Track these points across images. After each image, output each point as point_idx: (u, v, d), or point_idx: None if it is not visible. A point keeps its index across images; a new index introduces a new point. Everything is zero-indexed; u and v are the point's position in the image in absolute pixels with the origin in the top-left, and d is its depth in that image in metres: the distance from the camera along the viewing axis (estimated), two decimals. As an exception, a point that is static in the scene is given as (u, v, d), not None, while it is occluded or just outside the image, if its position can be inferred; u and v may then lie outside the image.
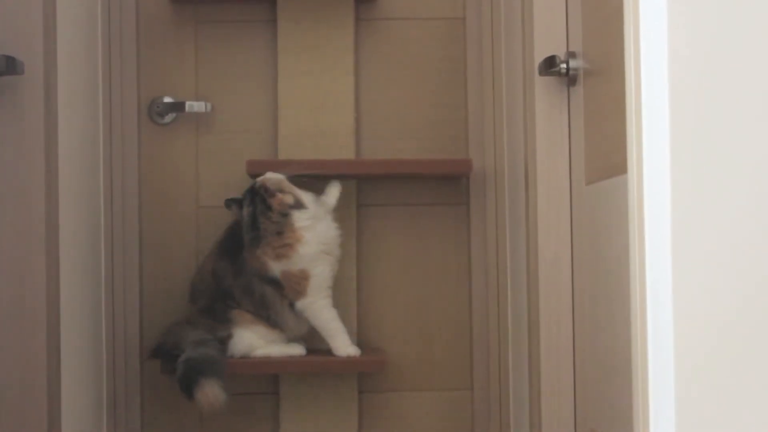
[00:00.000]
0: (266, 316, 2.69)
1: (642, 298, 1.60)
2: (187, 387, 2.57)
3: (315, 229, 2.67)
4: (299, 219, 2.65)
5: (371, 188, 2.92)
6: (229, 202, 2.69)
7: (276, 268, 2.66)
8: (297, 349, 2.71)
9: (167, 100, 2.89)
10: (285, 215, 2.63)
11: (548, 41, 2.36)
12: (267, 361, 2.69)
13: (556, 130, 2.37)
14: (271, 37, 2.90)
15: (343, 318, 2.85)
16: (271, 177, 2.66)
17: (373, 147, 2.91)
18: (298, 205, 2.65)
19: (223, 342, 2.67)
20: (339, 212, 2.86)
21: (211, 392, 2.55)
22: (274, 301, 2.68)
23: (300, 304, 2.68)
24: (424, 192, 2.92)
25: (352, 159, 2.84)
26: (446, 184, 2.92)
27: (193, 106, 2.86)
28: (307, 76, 2.86)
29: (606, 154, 2.04)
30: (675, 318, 1.57)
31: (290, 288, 2.67)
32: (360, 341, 2.89)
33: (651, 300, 1.58)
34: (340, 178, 2.83)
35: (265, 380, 2.88)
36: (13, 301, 2.17)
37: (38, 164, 2.18)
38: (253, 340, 2.68)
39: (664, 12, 1.59)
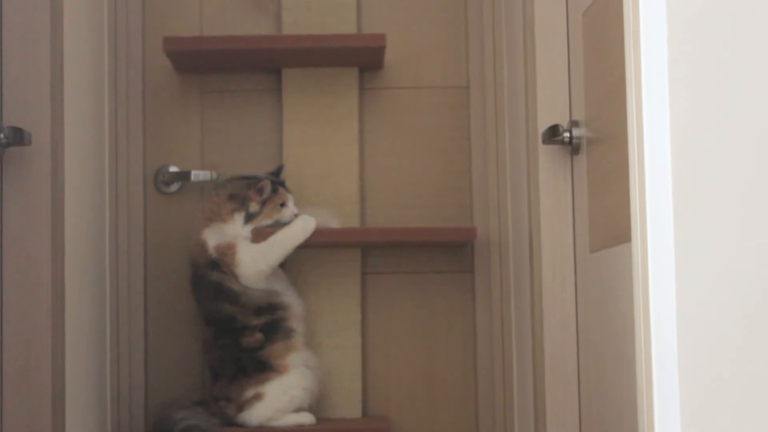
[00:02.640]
0: (269, 308, 2.68)
1: (648, 365, 1.59)
2: None
3: (241, 233, 2.70)
4: (238, 219, 2.69)
5: (376, 256, 2.92)
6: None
7: (210, 242, 2.69)
8: (306, 418, 2.70)
9: (173, 169, 2.90)
10: (243, 201, 2.68)
11: (551, 110, 2.38)
12: (272, 429, 2.68)
13: (560, 198, 2.38)
14: (276, 106, 2.92)
15: (349, 385, 2.85)
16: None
17: (377, 215, 2.92)
18: (249, 216, 2.69)
19: (242, 408, 2.67)
20: (344, 280, 2.87)
21: None
22: (224, 283, 2.67)
23: (242, 277, 2.67)
24: (428, 260, 2.93)
25: (357, 227, 2.85)
26: (451, 252, 2.93)
27: (199, 175, 2.87)
28: (311, 145, 2.88)
29: (610, 223, 2.05)
30: (681, 387, 1.57)
31: (224, 264, 2.67)
32: (365, 408, 2.88)
33: (657, 368, 1.58)
34: (345, 246, 2.84)
35: (270, 449, 2.87)
36: (19, 371, 2.17)
37: (44, 233, 2.20)
38: (283, 402, 2.67)
39: (666, 81, 1.60)
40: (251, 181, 2.71)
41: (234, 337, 2.68)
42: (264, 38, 2.76)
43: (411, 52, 2.96)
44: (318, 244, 2.77)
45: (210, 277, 2.69)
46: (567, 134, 2.32)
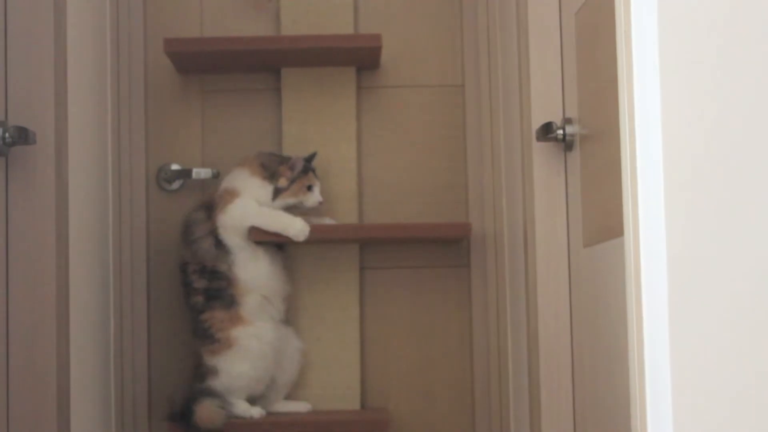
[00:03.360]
0: (209, 276, 2.71)
1: (640, 358, 1.59)
2: (188, 417, 2.63)
3: (266, 202, 2.74)
4: (267, 189, 2.73)
5: (374, 252, 2.94)
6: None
7: (223, 184, 2.75)
8: (301, 406, 2.74)
9: (174, 167, 2.92)
10: (273, 175, 2.73)
11: (545, 108, 2.39)
12: (273, 421, 2.70)
13: (553, 194, 2.39)
14: (275, 105, 2.94)
15: (347, 378, 2.87)
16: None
17: (375, 211, 2.94)
18: (277, 191, 2.73)
19: (209, 373, 2.70)
20: (342, 275, 2.89)
21: (207, 410, 2.61)
22: (197, 227, 2.72)
23: (221, 216, 2.71)
24: (425, 255, 2.95)
25: (355, 224, 2.87)
26: (447, 247, 2.95)
27: (200, 172, 2.89)
28: (310, 143, 2.89)
29: (603, 218, 2.06)
30: (673, 378, 1.57)
31: (219, 202, 2.72)
32: (363, 401, 2.90)
33: (649, 360, 1.58)
34: (343, 242, 2.86)
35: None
36: (24, 365, 2.19)
37: (49, 231, 2.21)
38: (240, 376, 2.70)
39: (657, 79, 1.61)
40: (284, 159, 2.76)
41: (186, 290, 2.73)
42: (263, 39, 2.76)
43: (407, 52, 2.98)
44: (317, 240, 2.79)
45: (191, 215, 2.75)
46: (560, 131, 2.33)
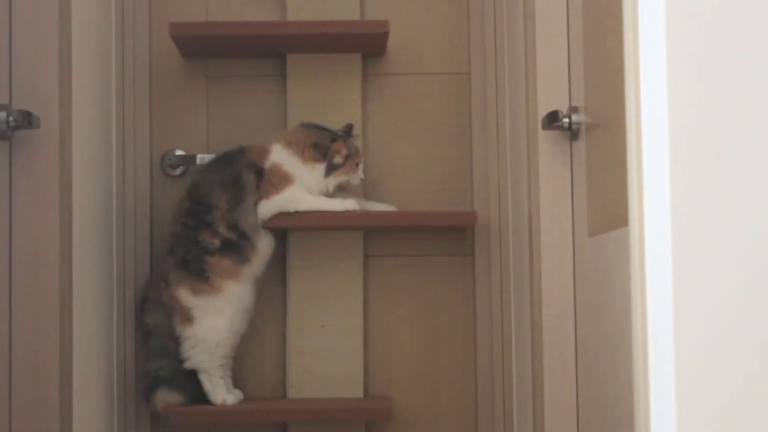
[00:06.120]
0: (239, 234, 2.72)
1: (644, 348, 1.60)
2: (147, 399, 2.73)
3: (317, 185, 2.77)
4: (319, 170, 2.75)
5: (378, 239, 2.95)
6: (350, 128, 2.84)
7: (273, 157, 2.74)
8: (232, 398, 2.76)
9: (179, 152, 2.93)
10: (325, 154, 2.75)
11: (551, 96, 2.39)
12: (275, 409, 2.71)
13: (559, 183, 2.39)
14: (280, 91, 2.94)
15: (351, 366, 2.87)
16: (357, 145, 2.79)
17: (380, 199, 2.94)
18: (332, 167, 2.75)
19: (179, 338, 2.73)
20: (346, 263, 2.89)
21: (162, 398, 2.69)
22: (249, 192, 2.72)
23: (266, 203, 2.72)
24: (429, 243, 2.95)
25: (360, 211, 2.87)
26: (452, 236, 2.95)
27: (205, 158, 2.89)
28: (315, 130, 2.90)
29: (608, 207, 2.06)
30: (677, 368, 1.57)
31: (268, 182, 2.73)
32: (367, 389, 2.91)
33: (653, 350, 1.58)
34: (348, 230, 2.87)
35: (273, 428, 2.90)
36: (27, 354, 2.19)
37: (53, 215, 2.21)
38: (215, 329, 2.71)
39: (664, 68, 1.61)
40: (333, 135, 2.77)
41: (199, 224, 2.72)
42: (269, 24, 2.77)
43: (413, 39, 2.98)
44: (321, 228, 2.79)
45: (241, 170, 2.74)
46: (566, 120, 2.33)
